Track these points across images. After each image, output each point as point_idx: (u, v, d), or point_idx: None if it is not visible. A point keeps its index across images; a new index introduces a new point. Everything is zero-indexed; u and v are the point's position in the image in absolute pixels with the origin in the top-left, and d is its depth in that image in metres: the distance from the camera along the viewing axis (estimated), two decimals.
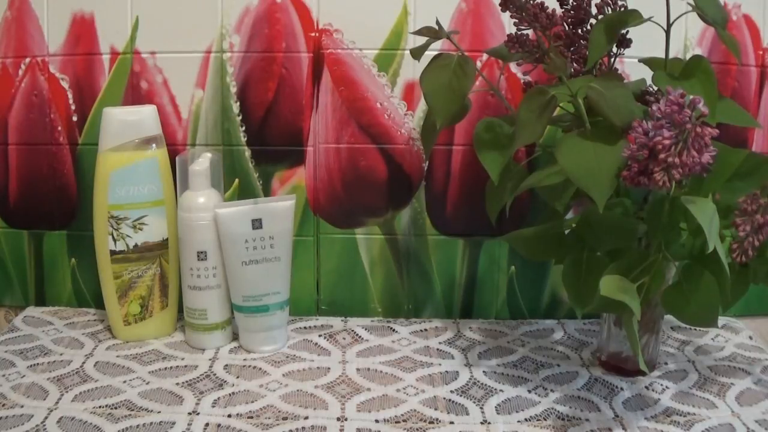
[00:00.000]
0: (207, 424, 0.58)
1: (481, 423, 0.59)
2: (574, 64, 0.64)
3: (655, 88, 0.62)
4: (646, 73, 0.62)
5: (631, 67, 0.75)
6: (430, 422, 0.59)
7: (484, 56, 0.76)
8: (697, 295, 0.57)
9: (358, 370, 0.68)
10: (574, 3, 0.63)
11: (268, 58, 0.76)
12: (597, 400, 0.62)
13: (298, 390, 0.64)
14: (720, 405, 0.62)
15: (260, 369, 0.68)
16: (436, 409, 0.61)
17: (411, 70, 0.77)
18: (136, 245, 0.71)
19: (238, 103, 0.77)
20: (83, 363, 0.68)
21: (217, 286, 0.71)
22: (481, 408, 0.61)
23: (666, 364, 0.70)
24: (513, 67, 0.77)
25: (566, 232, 0.65)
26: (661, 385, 0.65)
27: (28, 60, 0.78)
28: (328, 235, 0.80)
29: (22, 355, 0.69)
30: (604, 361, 0.69)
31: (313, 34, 0.76)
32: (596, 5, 0.63)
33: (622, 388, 0.64)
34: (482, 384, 0.65)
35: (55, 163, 0.80)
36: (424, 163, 0.79)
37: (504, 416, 0.60)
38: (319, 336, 0.75)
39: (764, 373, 0.68)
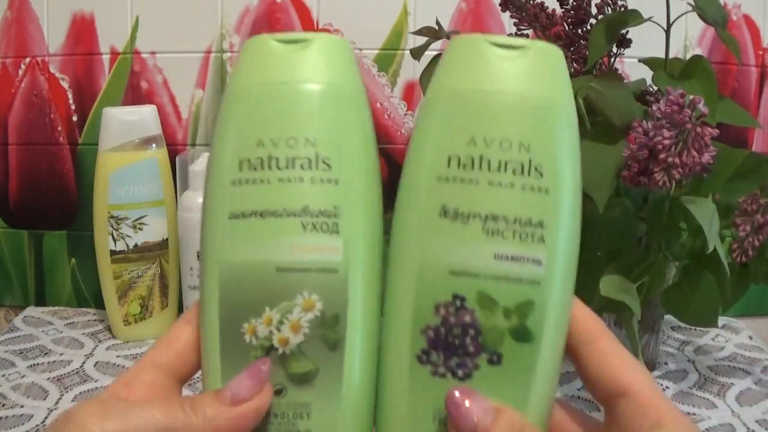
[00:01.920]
0: None
1: None
2: (574, 64, 0.64)
3: (655, 88, 0.62)
4: (646, 73, 0.62)
5: (631, 67, 0.75)
6: None
7: None
8: (697, 295, 0.57)
9: None
10: (574, 3, 0.63)
11: None
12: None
13: None
14: (720, 405, 0.62)
15: None
16: None
17: (411, 70, 0.77)
18: (136, 245, 0.71)
19: None
20: (83, 363, 0.68)
21: None
22: None
23: (666, 364, 0.70)
24: None
25: None
26: (661, 385, 0.65)
27: (28, 60, 0.78)
28: None
29: (22, 355, 0.69)
30: None
31: None
32: (596, 5, 0.63)
33: None
34: None
35: (55, 163, 0.80)
36: None
37: None
38: None
39: (764, 373, 0.68)
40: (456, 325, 0.29)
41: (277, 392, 0.29)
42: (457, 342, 0.29)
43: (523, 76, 0.29)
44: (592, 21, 0.63)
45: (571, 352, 0.31)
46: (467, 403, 0.28)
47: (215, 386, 0.30)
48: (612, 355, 0.30)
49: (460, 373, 0.29)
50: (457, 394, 0.28)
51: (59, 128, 0.79)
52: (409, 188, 0.30)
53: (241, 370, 0.29)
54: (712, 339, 0.76)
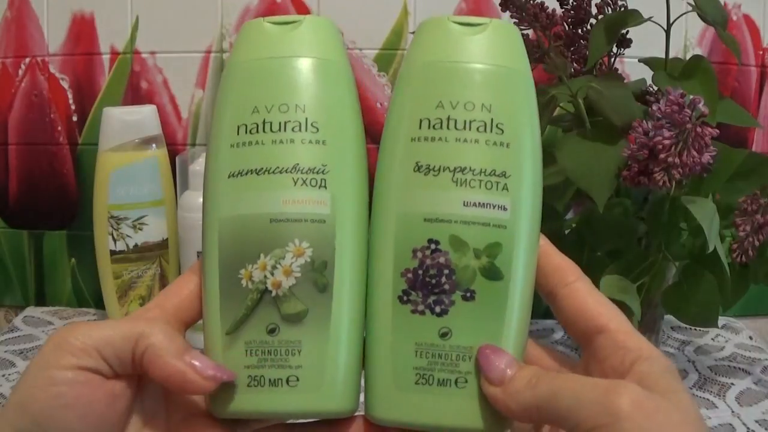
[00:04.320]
0: None
1: None
2: (574, 64, 0.64)
3: (655, 88, 0.62)
4: (646, 73, 0.62)
5: (631, 67, 0.75)
6: None
7: None
8: (697, 295, 0.57)
9: None
10: (574, 3, 0.63)
11: None
12: None
13: None
14: (720, 405, 0.62)
15: None
16: None
17: None
18: (136, 245, 0.71)
19: None
20: None
21: None
22: None
23: None
24: None
25: (566, 232, 0.66)
26: None
27: (28, 60, 0.78)
28: None
29: (22, 355, 0.69)
30: None
31: None
32: (596, 5, 0.63)
33: None
34: None
35: (55, 163, 0.80)
36: None
37: None
38: None
39: (764, 373, 0.68)
40: (432, 266, 0.32)
41: (271, 331, 0.32)
42: (433, 281, 0.32)
43: (483, 48, 0.33)
44: (592, 21, 0.63)
45: (550, 294, 0.34)
46: (495, 356, 0.31)
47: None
48: (589, 295, 0.33)
49: (437, 309, 0.32)
50: (487, 349, 0.32)
51: (59, 128, 0.79)
52: (388, 149, 0.34)
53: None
54: (712, 339, 0.76)
